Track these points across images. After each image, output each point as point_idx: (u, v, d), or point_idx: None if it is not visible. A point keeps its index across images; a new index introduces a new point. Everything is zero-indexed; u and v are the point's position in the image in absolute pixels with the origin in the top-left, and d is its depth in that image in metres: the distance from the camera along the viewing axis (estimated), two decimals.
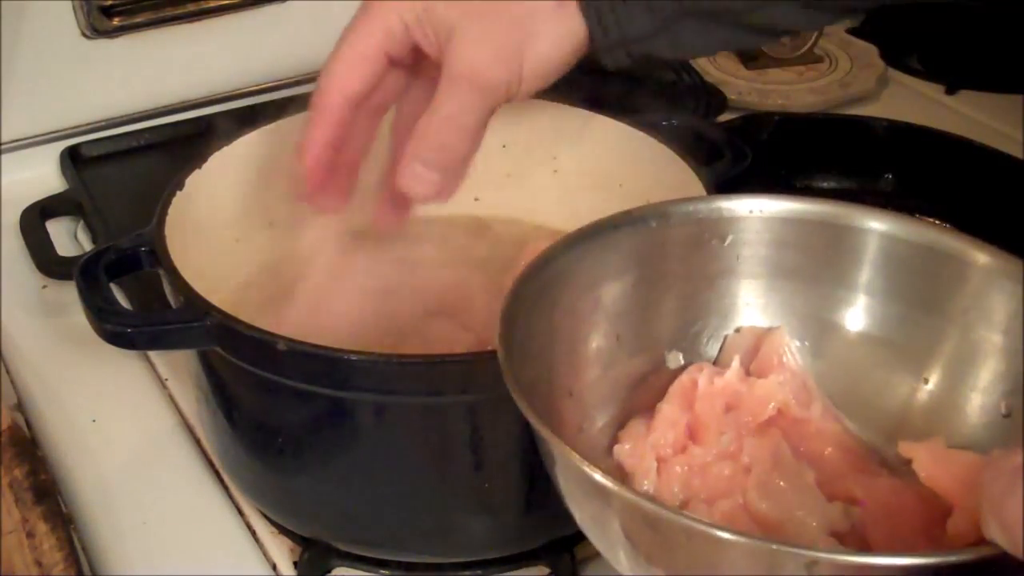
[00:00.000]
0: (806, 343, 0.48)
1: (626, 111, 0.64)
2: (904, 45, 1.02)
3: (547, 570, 0.56)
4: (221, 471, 0.60)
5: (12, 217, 0.79)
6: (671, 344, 0.48)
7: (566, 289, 0.45)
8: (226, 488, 0.60)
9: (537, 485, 0.52)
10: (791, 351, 0.47)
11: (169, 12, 0.89)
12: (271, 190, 0.63)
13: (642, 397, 0.47)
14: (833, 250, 0.47)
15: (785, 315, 0.48)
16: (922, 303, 0.46)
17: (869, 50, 1.01)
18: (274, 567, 0.56)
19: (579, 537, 0.56)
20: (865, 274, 0.47)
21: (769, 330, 0.48)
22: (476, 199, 0.67)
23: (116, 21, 0.87)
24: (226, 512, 0.59)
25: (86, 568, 0.55)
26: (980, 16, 0.98)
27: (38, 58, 0.85)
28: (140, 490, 0.61)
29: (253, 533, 0.58)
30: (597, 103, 0.65)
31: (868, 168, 0.84)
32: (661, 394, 0.47)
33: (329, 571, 0.56)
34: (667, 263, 0.47)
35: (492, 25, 0.50)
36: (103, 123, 0.89)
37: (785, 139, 0.83)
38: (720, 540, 0.33)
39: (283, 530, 0.57)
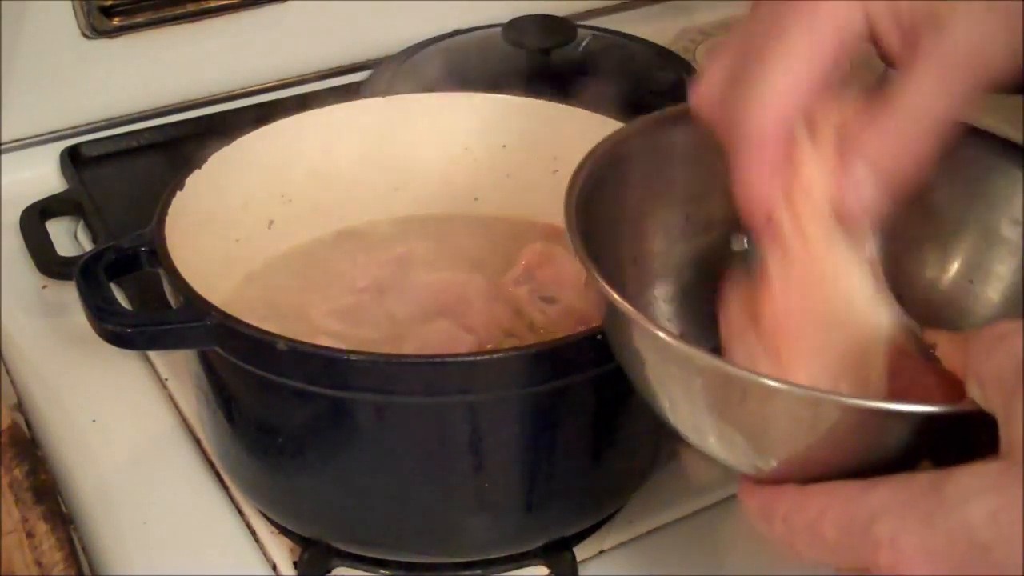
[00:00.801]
0: None
1: (626, 111, 0.64)
2: None
3: (547, 570, 0.56)
4: (221, 471, 0.60)
5: (12, 217, 0.79)
6: (737, 226, 0.48)
7: (639, 166, 0.47)
8: (226, 488, 0.60)
9: (537, 485, 0.52)
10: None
11: (169, 12, 0.89)
12: (271, 190, 0.63)
13: (701, 275, 0.48)
14: None
15: None
16: (949, 198, 0.48)
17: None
18: (274, 567, 0.56)
19: (579, 537, 0.56)
20: None
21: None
22: (476, 199, 0.67)
23: (116, 21, 0.87)
24: (226, 512, 0.59)
25: (86, 568, 0.55)
26: None
27: (38, 58, 0.85)
28: (140, 490, 0.61)
29: (253, 533, 0.58)
30: (597, 103, 0.65)
31: None
32: (717, 273, 0.47)
33: (329, 571, 0.56)
34: None
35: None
36: (103, 123, 0.89)
37: None
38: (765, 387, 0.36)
39: (283, 530, 0.58)
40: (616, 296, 0.39)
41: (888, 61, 0.42)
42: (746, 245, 0.48)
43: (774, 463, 0.38)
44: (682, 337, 0.38)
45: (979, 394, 0.34)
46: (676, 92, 0.90)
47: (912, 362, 0.45)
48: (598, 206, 0.45)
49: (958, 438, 0.35)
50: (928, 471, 0.34)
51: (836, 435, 0.36)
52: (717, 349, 0.49)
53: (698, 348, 0.37)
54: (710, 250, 0.49)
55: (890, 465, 0.35)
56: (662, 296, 0.49)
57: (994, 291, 0.48)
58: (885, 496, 0.34)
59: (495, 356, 0.47)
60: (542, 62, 0.86)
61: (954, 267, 0.49)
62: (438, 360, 0.47)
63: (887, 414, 0.35)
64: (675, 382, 0.39)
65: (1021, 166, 0.47)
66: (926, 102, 0.41)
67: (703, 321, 0.48)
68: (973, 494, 0.32)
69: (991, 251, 0.48)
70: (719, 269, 0.47)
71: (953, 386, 0.41)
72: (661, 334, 0.38)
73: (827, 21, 0.40)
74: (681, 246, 0.49)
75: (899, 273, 0.48)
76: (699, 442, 0.40)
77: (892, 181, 0.41)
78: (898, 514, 0.33)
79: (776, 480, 0.38)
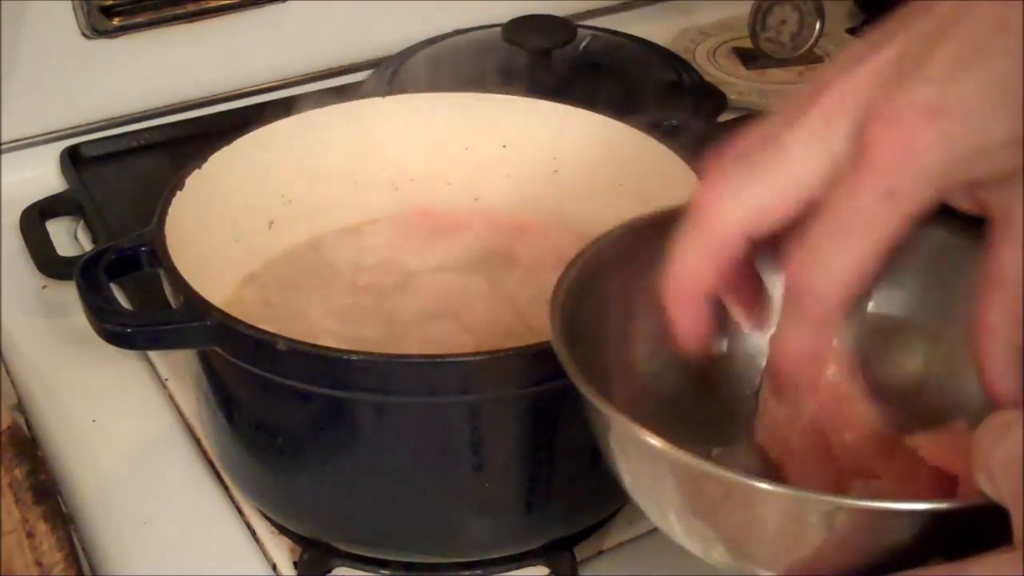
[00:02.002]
0: None
1: (626, 111, 0.64)
2: None
3: (547, 570, 0.56)
4: (221, 471, 0.60)
5: (12, 217, 0.79)
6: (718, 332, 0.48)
7: (616, 276, 0.46)
8: (226, 488, 0.60)
9: (537, 485, 0.52)
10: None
11: (169, 12, 0.89)
12: (271, 190, 0.63)
13: (685, 380, 0.48)
14: None
15: None
16: (934, 286, 0.47)
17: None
18: (274, 567, 0.56)
19: (579, 537, 0.56)
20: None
21: None
22: (476, 199, 0.67)
23: (116, 21, 0.87)
24: (226, 512, 0.59)
25: (86, 568, 0.55)
26: None
27: (38, 58, 0.85)
28: (140, 490, 0.61)
29: (253, 533, 0.58)
30: (597, 103, 0.65)
31: None
32: (706, 375, 0.47)
33: (329, 571, 0.56)
34: None
35: None
36: (103, 123, 0.89)
37: None
38: (752, 489, 0.35)
39: (283, 530, 0.58)
40: (607, 405, 0.39)
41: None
42: (725, 349, 0.48)
43: (781, 568, 0.37)
44: (673, 443, 0.37)
45: (989, 485, 0.33)
46: (676, 92, 0.90)
47: (898, 461, 0.44)
48: (582, 315, 0.44)
49: (967, 531, 0.34)
50: (940, 566, 0.34)
51: (844, 537, 0.35)
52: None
53: (690, 453, 0.36)
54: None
55: (898, 562, 0.35)
56: (650, 403, 0.48)
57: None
58: None
59: (495, 356, 0.47)
60: (542, 62, 0.86)
61: (938, 358, 0.47)
62: (438, 360, 0.47)
63: (895, 513, 0.34)
64: (665, 486, 0.39)
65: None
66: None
67: (694, 428, 0.47)
68: None
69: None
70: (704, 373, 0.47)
71: (945, 477, 0.42)
72: (639, 431, 0.37)
73: (907, 196, 0.37)
74: (665, 353, 0.47)
75: (882, 365, 0.47)
76: (705, 553, 0.40)
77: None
78: None
79: None
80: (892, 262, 0.40)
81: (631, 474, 0.41)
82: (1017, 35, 0.35)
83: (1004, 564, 0.32)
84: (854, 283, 0.38)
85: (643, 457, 0.39)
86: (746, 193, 0.39)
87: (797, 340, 0.40)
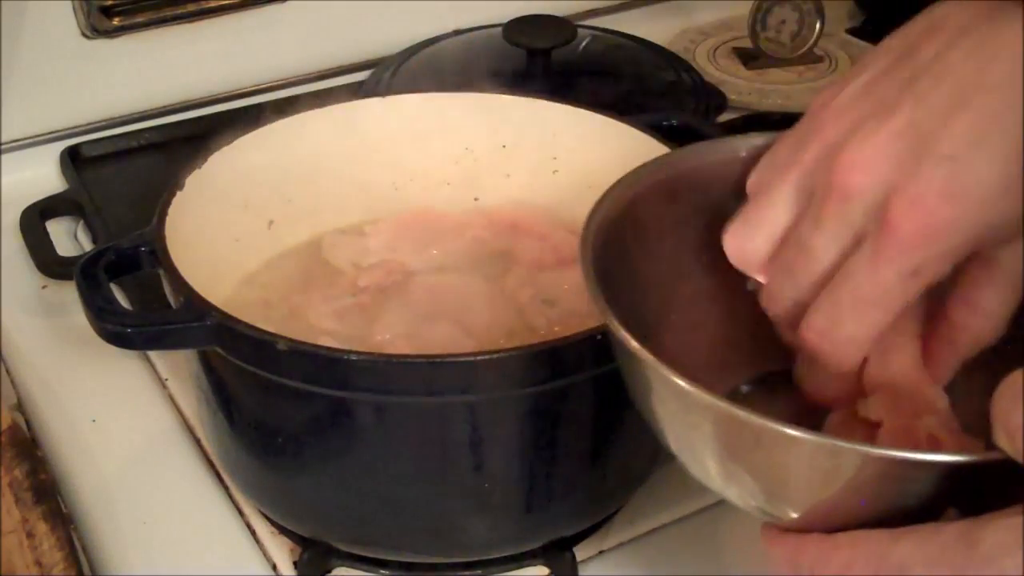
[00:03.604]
0: None
1: (626, 111, 0.64)
2: None
3: (547, 570, 0.56)
4: (221, 471, 0.61)
5: (12, 217, 0.79)
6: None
7: (653, 210, 0.48)
8: (226, 488, 0.60)
9: (537, 485, 0.52)
10: None
11: (169, 12, 0.89)
12: (271, 190, 0.63)
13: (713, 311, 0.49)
14: None
15: None
16: None
17: (869, 50, 1.00)
18: (274, 567, 0.56)
19: (579, 537, 0.56)
20: None
21: None
22: (476, 199, 0.67)
23: (116, 21, 0.87)
24: (226, 512, 0.59)
25: (86, 568, 0.55)
26: None
27: (38, 58, 0.85)
28: (140, 490, 0.61)
29: (253, 533, 0.58)
30: (597, 103, 0.65)
31: None
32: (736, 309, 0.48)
33: (329, 571, 0.56)
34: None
35: None
36: (103, 123, 0.89)
37: None
38: (787, 437, 0.36)
39: (283, 530, 0.58)
40: (636, 344, 0.39)
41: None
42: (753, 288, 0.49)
43: (797, 513, 0.38)
44: (698, 383, 0.37)
45: (1009, 444, 0.34)
46: (676, 92, 0.90)
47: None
48: (612, 250, 0.45)
49: (982, 485, 0.35)
50: (954, 520, 0.34)
51: (862, 485, 0.36)
52: (734, 392, 0.50)
53: (714, 395, 0.37)
54: (719, 288, 0.49)
55: (914, 512, 0.35)
56: (679, 336, 0.49)
57: None
58: (913, 548, 0.34)
59: (495, 356, 0.47)
60: (542, 62, 0.86)
61: None
62: (438, 360, 0.47)
63: (913, 464, 0.35)
64: (689, 427, 0.39)
65: None
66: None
67: (724, 362, 0.49)
68: (1006, 548, 0.32)
69: None
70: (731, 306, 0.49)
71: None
72: (680, 381, 0.38)
73: (926, 270, 0.39)
74: (692, 284, 0.49)
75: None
76: (722, 489, 0.40)
77: None
78: (928, 566, 0.33)
79: (800, 528, 0.38)
80: None
81: (666, 420, 0.41)
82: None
83: (1020, 526, 0.32)
84: (869, 344, 0.40)
85: (676, 401, 0.39)
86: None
87: (818, 384, 0.43)
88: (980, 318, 0.43)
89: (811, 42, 0.97)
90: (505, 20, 0.87)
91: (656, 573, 0.56)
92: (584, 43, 0.93)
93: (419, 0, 0.96)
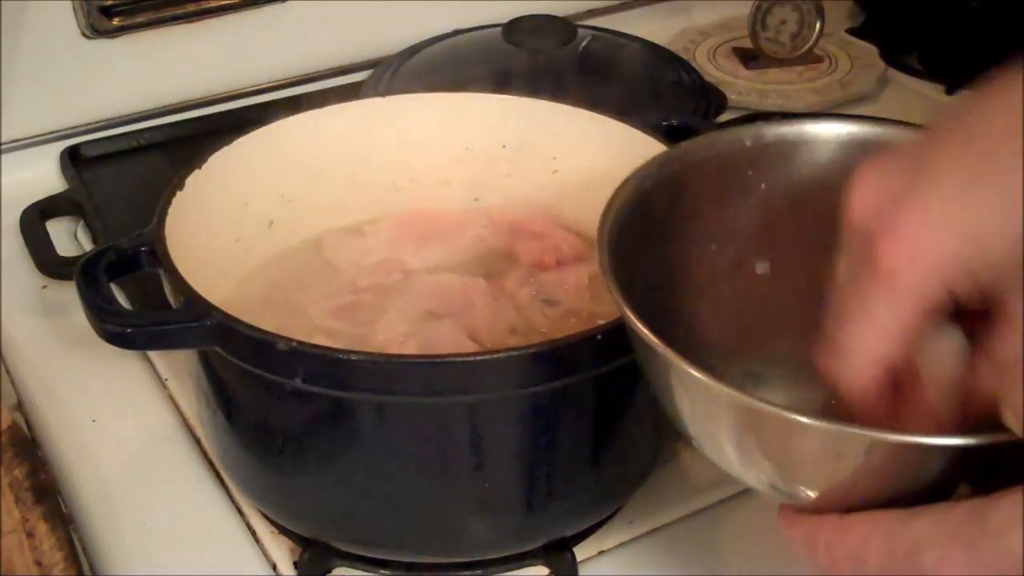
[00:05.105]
0: None
1: (626, 111, 0.64)
2: (904, 45, 1.02)
3: (547, 570, 0.56)
4: (221, 471, 0.60)
5: (12, 217, 0.79)
6: (758, 254, 0.51)
7: (667, 197, 0.48)
8: (226, 488, 0.60)
9: (537, 485, 0.52)
10: None
11: (169, 12, 0.89)
12: (271, 190, 0.64)
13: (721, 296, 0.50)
14: None
15: None
16: None
17: (869, 50, 1.01)
18: (274, 567, 0.56)
19: (579, 537, 0.56)
20: None
21: None
22: (476, 199, 0.67)
23: (116, 21, 0.87)
24: (226, 512, 0.59)
25: (86, 568, 0.55)
26: (980, 16, 0.98)
27: (38, 58, 0.85)
28: (140, 490, 0.61)
29: (253, 533, 0.58)
30: (597, 103, 0.65)
31: None
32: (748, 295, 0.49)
33: (329, 571, 0.56)
34: (757, 178, 0.50)
35: None
36: (103, 123, 0.89)
37: None
38: (797, 424, 0.37)
39: (283, 530, 0.58)
40: (659, 342, 0.40)
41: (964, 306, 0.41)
42: (769, 270, 0.51)
43: (814, 494, 0.39)
44: (714, 371, 0.38)
45: (1015, 423, 0.34)
46: (676, 92, 0.90)
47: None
48: (626, 242, 0.46)
49: (994, 464, 0.36)
50: (967, 498, 0.35)
51: (874, 468, 0.37)
52: (749, 375, 0.51)
53: (731, 386, 0.37)
54: (726, 272, 0.51)
55: (927, 491, 0.36)
56: (691, 317, 0.50)
57: None
58: (927, 525, 0.35)
59: (495, 356, 0.47)
60: (542, 62, 0.86)
61: None
62: (438, 360, 0.47)
63: (921, 448, 0.36)
64: (708, 417, 0.40)
65: None
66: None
67: (736, 347, 0.50)
68: (1016, 523, 0.33)
69: None
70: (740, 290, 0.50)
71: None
72: (699, 373, 0.38)
73: (909, 299, 0.39)
74: (704, 271, 0.50)
75: None
76: (741, 474, 0.41)
77: None
78: (942, 543, 0.34)
79: (817, 509, 0.38)
80: None
81: (685, 410, 0.42)
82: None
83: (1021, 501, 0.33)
84: (875, 364, 0.40)
85: (694, 393, 0.40)
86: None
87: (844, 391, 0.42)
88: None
89: (811, 42, 0.97)
90: (505, 20, 0.87)
91: (656, 573, 0.56)
92: (584, 43, 0.92)
93: (419, 0, 0.96)
